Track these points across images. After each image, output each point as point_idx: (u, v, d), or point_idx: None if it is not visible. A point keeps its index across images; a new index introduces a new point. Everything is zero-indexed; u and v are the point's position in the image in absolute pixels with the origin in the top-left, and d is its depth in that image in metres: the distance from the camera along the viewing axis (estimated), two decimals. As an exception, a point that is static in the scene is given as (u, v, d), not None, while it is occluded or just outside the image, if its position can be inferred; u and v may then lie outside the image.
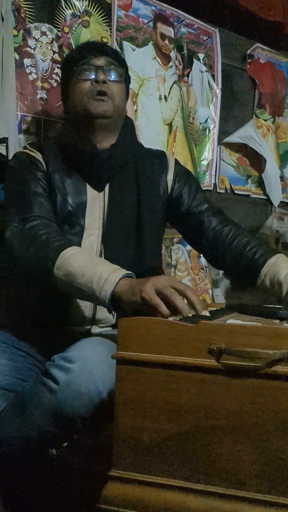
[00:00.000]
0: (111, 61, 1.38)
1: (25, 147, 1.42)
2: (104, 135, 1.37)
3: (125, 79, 1.43)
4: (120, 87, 1.39)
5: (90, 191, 1.35)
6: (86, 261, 1.12)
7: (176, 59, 2.23)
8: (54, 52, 1.79)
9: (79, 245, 1.29)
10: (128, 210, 1.37)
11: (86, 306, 1.28)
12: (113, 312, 1.10)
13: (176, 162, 1.50)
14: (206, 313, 1.02)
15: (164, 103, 2.17)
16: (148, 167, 1.44)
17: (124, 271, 1.09)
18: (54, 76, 1.78)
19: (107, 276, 1.07)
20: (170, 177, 1.45)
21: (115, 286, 1.05)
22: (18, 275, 1.31)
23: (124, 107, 1.44)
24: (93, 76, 1.35)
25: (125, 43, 2.02)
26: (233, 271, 1.43)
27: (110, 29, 1.96)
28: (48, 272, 1.13)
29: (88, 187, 1.35)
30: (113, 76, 1.37)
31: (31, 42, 1.75)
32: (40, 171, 1.33)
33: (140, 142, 1.66)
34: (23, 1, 1.72)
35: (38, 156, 1.35)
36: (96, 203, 1.35)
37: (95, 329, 1.31)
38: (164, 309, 0.99)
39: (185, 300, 1.03)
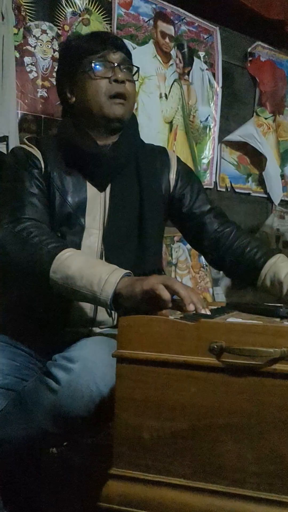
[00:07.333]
0: (126, 58, 1.33)
1: (23, 142, 1.37)
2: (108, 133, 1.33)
3: None
4: (134, 87, 1.34)
5: (90, 190, 1.32)
6: (83, 263, 1.10)
7: (177, 57, 2.22)
8: (54, 51, 1.79)
9: (79, 245, 1.28)
10: (130, 209, 1.34)
11: (86, 308, 1.26)
12: (113, 314, 1.09)
13: (179, 160, 1.47)
14: (206, 311, 1.01)
15: (165, 102, 2.17)
16: (150, 165, 1.40)
17: (123, 271, 1.07)
18: (54, 74, 1.77)
19: (107, 277, 1.05)
20: (172, 176, 1.42)
21: (116, 286, 1.04)
22: (13, 278, 1.29)
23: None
24: (111, 75, 1.29)
25: (125, 41, 2.01)
26: (234, 272, 1.42)
27: (111, 27, 1.96)
28: (44, 275, 1.11)
29: (88, 185, 1.32)
30: (130, 76, 1.32)
31: (31, 41, 1.75)
32: (37, 169, 1.29)
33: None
34: (24, -1, 1.72)
35: (36, 152, 1.30)
36: (96, 202, 1.32)
37: (96, 330, 1.29)
38: (165, 293, 0.97)
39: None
